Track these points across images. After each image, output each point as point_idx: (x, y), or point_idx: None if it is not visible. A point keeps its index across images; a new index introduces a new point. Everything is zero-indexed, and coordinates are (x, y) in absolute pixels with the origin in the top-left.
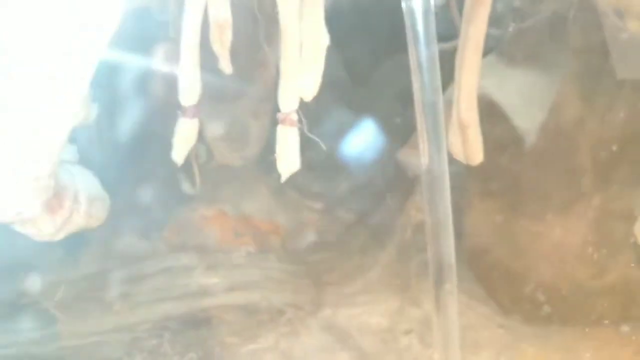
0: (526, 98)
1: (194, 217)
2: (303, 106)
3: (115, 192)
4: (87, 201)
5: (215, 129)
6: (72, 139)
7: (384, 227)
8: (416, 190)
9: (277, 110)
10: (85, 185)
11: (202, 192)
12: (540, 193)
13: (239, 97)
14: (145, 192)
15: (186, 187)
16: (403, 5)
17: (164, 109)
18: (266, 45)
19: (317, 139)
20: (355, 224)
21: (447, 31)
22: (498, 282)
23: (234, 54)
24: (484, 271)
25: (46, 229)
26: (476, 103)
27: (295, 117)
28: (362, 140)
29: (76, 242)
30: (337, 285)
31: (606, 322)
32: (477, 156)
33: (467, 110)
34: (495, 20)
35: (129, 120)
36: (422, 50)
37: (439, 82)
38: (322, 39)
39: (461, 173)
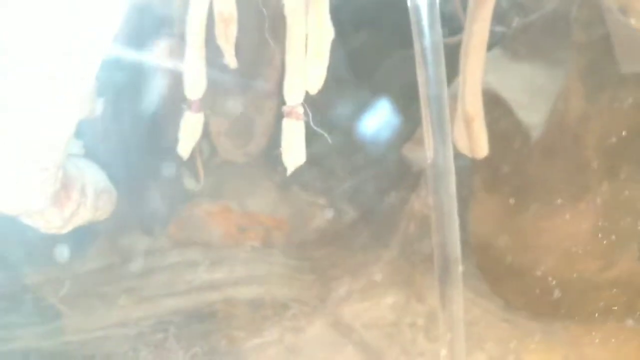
0: (531, 92)
1: (198, 212)
2: (308, 100)
3: (120, 187)
4: (94, 194)
5: (220, 125)
6: (78, 133)
7: (389, 222)
8: (421, 185)
9: (283, 104)
10: (93, 178)
11: (206, 188)
12: (546, 187)
13: (244, 92)
14: (149, 187)
15: (190, 182)
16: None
17: (168, 105)
18: (271, 40)
19: (322, 132)
20: (360, 219)
21: (452, 25)
22: (503, 276)
23: (239, 49)
24: (489, 266)
25: (54, 221)
26: (481, 97)
27: (300, 110)
28: (367, 135)
29: (81, 237)
30: (341, 280)
31: (612, 316)
32: (482, 150)
33: (472, 103)
34: (499, 15)
35: (134, 116)
36: (427, 44)
37: (443, 76)
38: (327, 32)
39: (466, 167)
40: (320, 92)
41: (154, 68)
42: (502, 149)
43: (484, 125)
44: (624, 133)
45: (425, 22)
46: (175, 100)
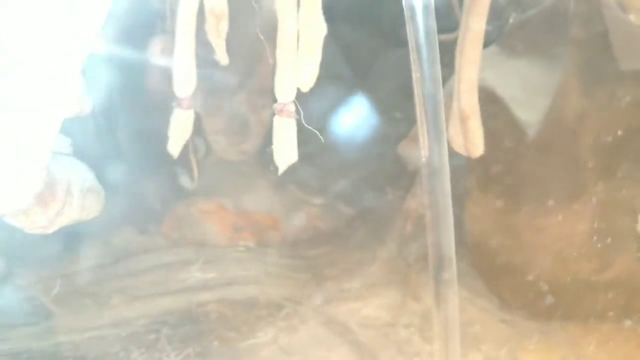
0: (527, 90)
1: (193, 211)
2: (303, 99)
3: (114, 186)
4: (80, 193)
5: (214, 123)
6: (68, 132)
7: (384, 221)
8: (416, 184)
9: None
10: (79, 177)
11: (200, 187)
12: (543, 186)
13: (238, 90)
14: (143, 186)
15: (185, 181)
16: None
17: (161, 102)
18: (262, 37)
19: (314, 130)
20: (356, 218)
21: (448, 22)
22: (500, 276)
23: (232, 47)
24: (485, 265)
25: (38, 221)
26: (477, 95)
27: (292, 108)
28: (363, 133)
29: (73, 236)
30: (336, 279)
31: (609, 316)
32: (477, 148)
33: (467, 101)
34: (496, 11)
35: (126, 114)
36: (422, 41)
37: (439, 74)
38: (319, 28)
39: (462, 166)
40: (315, 89)
41: (146, 66)
42: (498, 147)
43: (480, 123)
44: (621, 131)
45: (419, 18)
46: (169, 97)
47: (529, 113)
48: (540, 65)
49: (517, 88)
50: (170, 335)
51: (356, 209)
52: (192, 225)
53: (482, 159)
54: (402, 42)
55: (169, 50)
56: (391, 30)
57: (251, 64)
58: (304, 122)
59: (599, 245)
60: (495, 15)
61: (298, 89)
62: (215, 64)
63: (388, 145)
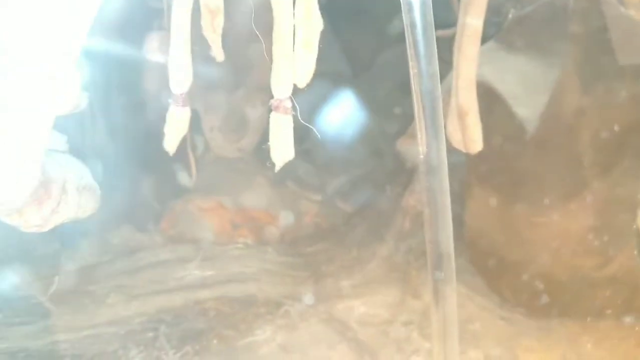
0: (526, 85)
1: (191, 209)
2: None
3: (111, 183)
4: (76, 191)
5: (212, 120)
6: (65, 129)
7: (383, 218)
8: (415, 181)
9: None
10: (74, 175)
11: (199, 184)
12: (542, 182)
13: (236, 87)
14: (141, 183)
15: (183, 178)
16: None
17: (159, 99)
18: (258, 32)
19: (311, 127)
20: (354, 215)
21: (446, 18)
22: (499, 273)
23: (230, 43)
24: (484, 262)
25: (33, 219)
26: (475, 91)
27: (288, 104)
28: (362, 130)
29: (71, 234)
30: (335, 277)
31: (609, 313)
32: (476, 144)
33: (465, 97)
34: (494, 7)
35: (124, 111)
36: (419, 37)
37: (436, 69)
38: (315, 23)
39: (461, 162)
40: (314, 86)
41: (144, 62)
42: (496, 143)
43: (478, 119)
44: (620, 127)
45: (417, 14)
46: (167, 94)
47: (528, 109)
48: (539, 61)
49: (515, 84)
50: (168, 334)
51: (355, 206)
52: (190, 222)
53: (481, 155)
54: (403, 39)
55: (166, 47)
56: (392, 27)
57: (249, 60)
58: (300, 118)
59: (598, 241)
60: (494, 11)
61: (295, 85)
62: (213, 62)
63: (387, 141)
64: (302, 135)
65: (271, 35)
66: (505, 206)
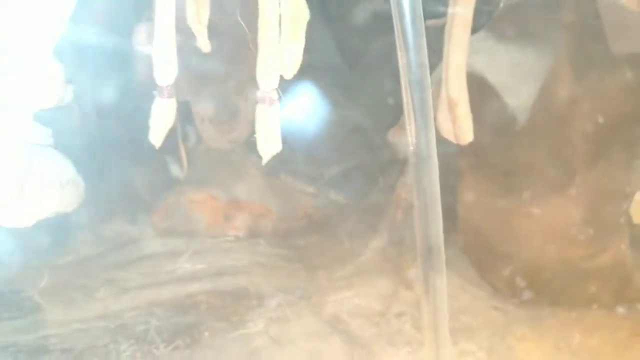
0: (518, 75)
1: (183, 201)
2: (296, 87)
3: (102, 175)
4: (58, 185)
5: (203, 111)
6: (53, 122)
7: (376, 209)
8: (406, 172)
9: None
10: (57, 169)
11: (191, 176)
12: (533, 172)
13: (227, 78)
14: (132, 176)
15: (175, 170)
16: None
17: (149, 90)
18: (243, 22)
19: (296, 118)
20: (347, 207)
21: (435, 7)
22: (491, 264)
23: (220, 34)
24: (477, 253)
25: (15, 214)
26: (465, 80)
27: (275, 95)
28: (355, 121)
29: (61, 227)
30: (328, 269)
31: (601, 303)
32: (466, 135)
33: (456, 88)
34: None
35: (114, 103)
36: (408, 25)
37: (425, 58)
38: (302, 13)
39: (453, 153)
40: (306, 77)
41: (132, 53)
42: (488, 134)
43: (468, 110)
44: (613, 116)
45: (405, 3)
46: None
47: (519, 99)
48: (531, 50)
49: (507, 74)
50: (159, 327)
51: (348, 197)
52: (182, 215)
53: (472, 145)
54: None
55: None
56: (384, 18)
57: (240, 51)
58: (288, 110)
59: (590, 231)
60: None
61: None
62: (204, 53)
63: (380, 133)
64: (295, 127)
65: (256, 25)
66: (497, 197)
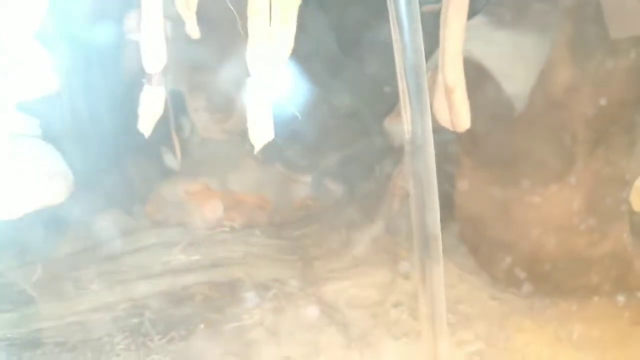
0: (515, 61)
1: (177, 192)
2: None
3: (95, 166)
4: (46, 178)
5: (198, 101)
6: (43, 113)
7: (373, 199)
8: (403, 161)
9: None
10: (45, 160)
11: (185, 166)
12: (532, 160)
13: (220, 66)
14: (126, 167)
15: (169, 161)
16: None
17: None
18: (233, 8)
19: (291, 107)
20: (344, 196)
21: None
22: (490, 253)
23: (214, 21)
24: (475, 242)
25: (2, 206)
26: (462, 67)
27: (266, 83)
28: (352, 110)
29: (55, 220)
30: (324, 259)
31: (601, 292)
32: (463, 122)
33: (452, 74)
34: None
35: (105, 92)
36: (403, 11)
37: (421, 43)
38: None
39: (449, 141)
40: (301, 64)
41: (124, 40)
42: (485, 121)
43: (465, 96)
44: (612, 102)
45: None
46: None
47: (517, 85)
48: (529, 35)
49: (504, 59)
50: (154, 319)
51: (345, 187)
52: (176, 206)
53: (470, 133)
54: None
55: None
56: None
57: (234, 39)
58: (282, 99)
59: (591, 219)
60: None
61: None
62: (197, 42)
63: (376, 121)
64: (290, 115)
65: (246, 11)
66: (495, 185)
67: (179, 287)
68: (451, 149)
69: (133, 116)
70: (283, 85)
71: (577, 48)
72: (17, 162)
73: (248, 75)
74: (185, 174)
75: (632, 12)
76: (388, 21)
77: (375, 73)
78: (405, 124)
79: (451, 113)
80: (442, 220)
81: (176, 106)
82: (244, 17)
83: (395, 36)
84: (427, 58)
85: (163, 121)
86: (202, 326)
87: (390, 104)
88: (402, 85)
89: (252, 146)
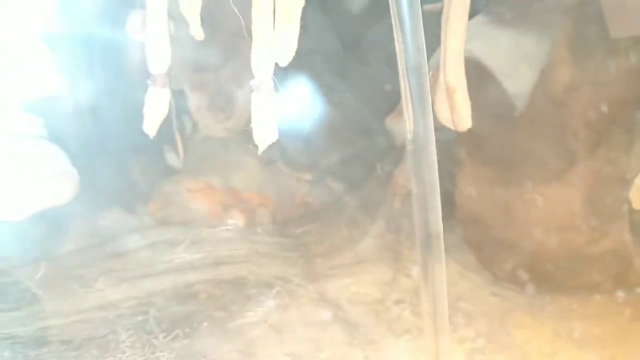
0: (516, 60)
1: (180, 190)
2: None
3: (98, 165)
4: (53, 177)
5: (199, 99)
6: (46, 112)
7: (374, 197)
8: (404, 159)
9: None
10: (51, 160)
11: (187, 165)
12: (533, 158)
13: (222, 65)
14: (129, 165)
15: (172, 159)
16: None
17: (144, 79)
18: (236, 9)
19: (292, 106)
20: (345, 194)
21: None
22: (491, 250)
23: (216, 21)
24: (476, 239)
25: (10, 207)
26: (463, 66)
27: (270, 84)
28: (352, 108)
29: (58, 218)
30: (326, 257)
31: (601, 289)
32: (465, 122)
33: (453, 74)
34: None
35: (109, 92)
36: (405, 11)
37: (422, 44)
38: None
39: (451, 140)
40: (302, 62)
41: (127, 40)
42: (486, 120)
43: (466, 96)
44: (612, 101)
45: None
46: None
47: (518, 84)
48: (529, 34)
49: (505, 59)
50: (158, 317)
51: (346, 185)
52: (179, 204)
53: (471, 132)
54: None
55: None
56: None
57: (236, 39)
58: (283, 98)
59: (590, 217)
60: None
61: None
62: (199, 41)
63: (377, 119)
64: (291, 114)
65: (250, 13)
66: (497, 184)
67: (183, 285)
68: (452, 147)
69: (135, 115)
70: (286, 85)
71: (578, 47)
72: (23, 162)
73: (249, 72)
74: (187, 173)
75: (633, 11)
76: (388, 18)
77: (376, 71)
78: (407, 124)
79: (453, 112)
80: (443, 219)
81: (177, 105)
82: (247, 19)
83: (397, 36)
84: (428, 57)
85: (165, 120)
86: (206, 324)
87: (392, 103)
88: (404, 85)
89: (256, 146)
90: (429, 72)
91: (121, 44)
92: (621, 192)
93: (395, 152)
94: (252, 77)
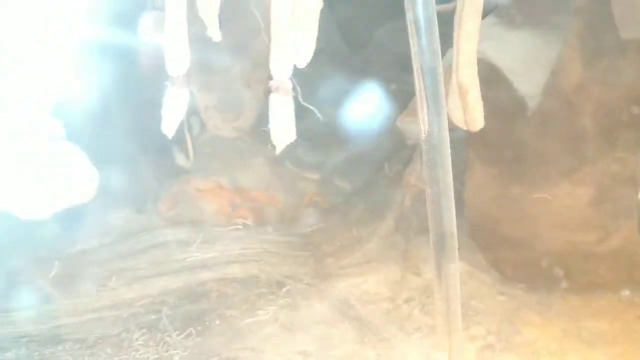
0: (527, 61)
1: (189, 190)
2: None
3: (109, 166)
4: (75, 177)
5: (208, 100)
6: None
7: (383, 196)
8: (415, 159)
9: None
10: (75, 160)
11: (197, 165)
12: (543, 158)
13: (231, 66)
14: (140, 165)
15: (181, 159)
16: None
17: (156, 80)
18: (256, 11)
19: (312, 108)
20: (354, 194)
21: None
22: (500, 250)
23: (225, 22)
24: (485, 239)
25: (33, 206)
26: (476, 67)
27: (289, 85)
28: (360, 107)
29: (71, 217)
30: (336, 256)
31: (610, 287)
32: (477, 122)
33: (466, 74)
34: None
35: (121, 93)
36: (420, 12)
37: (437, 45)
38: (314, 2)
39: (463, 140)
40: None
41: (139, 42)
42: (498, 120)
43: (479, 96)
44: (622, 101)
45: None
46: (163, 74)
47: (529, 84)
48: (540, 35)
49: (516, 59)
50: (171, 315)
51: (355, 184)
52: (188, 203)
53: (482, 132)
54: (400, 14)
55: (160, 27)
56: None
57: (244, 39)
58: (300, 99)
59: (599, 216)
60: None
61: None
62: (207, 41)
63: (386, 118)
64: (300, 113)
65: (269, 14)
66: (506, 182)
67: (196, 284)
68: (461, 147)
69: (145, 116)
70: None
71: (588, 48)
72: (50, 163)
73: (257, 72)
74: (197, 172)
75: None
76: (397, 18)
77: (385, 71)
78: (421, 124)
79: (465, 113)
80: None
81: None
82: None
83: (412, 38)
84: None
85: None
86: (218, 322)
87: (400, 101)
88: (418, 85)
89: (265, 145)
90: None
91: (133, 46)
92: (630, 192)
93: (404, 151)
94: (260, 76)
